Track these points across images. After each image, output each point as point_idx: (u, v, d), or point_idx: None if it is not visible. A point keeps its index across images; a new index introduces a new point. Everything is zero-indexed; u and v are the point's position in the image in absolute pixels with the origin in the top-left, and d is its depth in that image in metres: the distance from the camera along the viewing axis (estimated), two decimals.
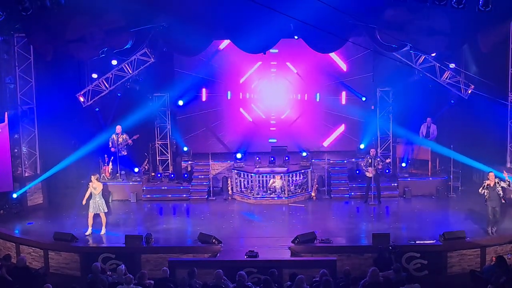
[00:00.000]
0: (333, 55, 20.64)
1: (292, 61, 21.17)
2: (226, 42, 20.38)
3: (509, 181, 15.30)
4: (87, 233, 15.97)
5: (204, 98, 21.44)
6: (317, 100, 21.36)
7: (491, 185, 15.17)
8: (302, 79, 21.34)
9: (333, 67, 21.07)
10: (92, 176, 16.29)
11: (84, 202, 16.28)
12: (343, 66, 21.01)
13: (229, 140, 21.73)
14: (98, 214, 16.17)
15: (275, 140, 21.59)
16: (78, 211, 17.87)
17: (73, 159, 18.86)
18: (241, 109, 21.67)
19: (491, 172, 15.45)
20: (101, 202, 16.11)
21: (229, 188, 19.59)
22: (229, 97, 21.50)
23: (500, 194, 15.18)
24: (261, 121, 21.74)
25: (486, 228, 15.34)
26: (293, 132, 21.48)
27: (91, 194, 16.12)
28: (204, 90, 21.37)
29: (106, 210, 16.25)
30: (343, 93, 21.28)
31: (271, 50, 19.87)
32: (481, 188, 15.34)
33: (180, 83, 21.03)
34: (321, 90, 21.37)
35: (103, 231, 16.09)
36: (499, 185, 15.17)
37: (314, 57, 20.08)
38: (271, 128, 21.77)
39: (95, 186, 16.07)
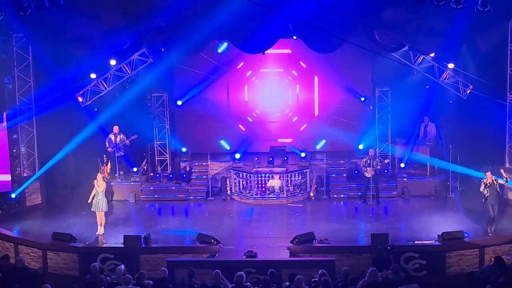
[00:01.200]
0: None
1: (289, 60, 21.17)
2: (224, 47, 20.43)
3: (506, 178, 15.40)
4: (98, 233, 15.95)
5: (202, 98, 21.35)
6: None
7: (489, 184, 15.23)
8: (300, 76, 21.39)
9: None
10: (98, 174, 16.39)
11: (89, 200, 16.27)
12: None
13: (229, 140, 21.65)
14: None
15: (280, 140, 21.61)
16: (76, 211, 17.96)
17: (69, 149, 18.82)
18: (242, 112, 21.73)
19: (488, 171, 15.54)
20: (102, 201, 16.08)
21: (228, 188, 19.58)
22: (228, 99, 21.49)
23: (498, 192, 15.31)
24: (262, 120, 21.69)
25: (487, 228, 15.37)
26: (295, 129, 21.54)
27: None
28: (201, 89, 21.28)
29: (106, 210, 16.21)
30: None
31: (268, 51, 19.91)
32: (482, 187, 15.38)
33: (178, 83, 21.03)
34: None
35: (100, 231, 16.05)
36: (497, 182, 15.27)
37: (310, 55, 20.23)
38: (272, 123, 21.75)
39: (99, 184, 16.11)
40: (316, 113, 21.66)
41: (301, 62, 21.24)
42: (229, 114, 21.64)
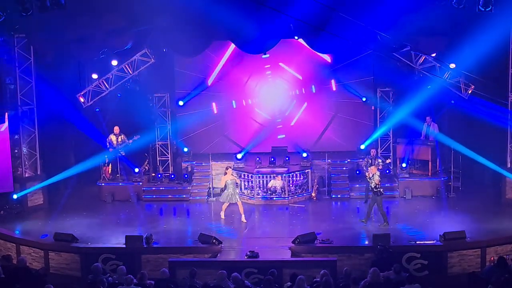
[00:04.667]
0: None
1: (284, 61, 21.08)
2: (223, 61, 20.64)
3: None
4: (243, 220, 17.01)
5: (204, 98, 21.31)
6: (313, 91, 21.28)
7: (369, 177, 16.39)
8: (298, 76, 21.27)
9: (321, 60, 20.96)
10: (229, 169, 17.51)
11: (221, 184, 17.55)
12: (327, 57, 20.82)
13: (234, 140, 21.57)
14: None
15: (283, 136, 21.57)
16: (78, 212, 17.98)
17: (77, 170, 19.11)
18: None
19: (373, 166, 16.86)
20: (234, 193, 17.12)
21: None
22: (234, 106, 21.48)
23: (371, 185, 16.25)
24: (266, 121, 21.63)
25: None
26: (298, 129, 21.48)
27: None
28: (203, 89, 21.25)
29: (236, 201, 17.19)
30: (332, 81, 21.15)
31: (262, 56, 20.17)
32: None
33: (180, 83, 21.02)
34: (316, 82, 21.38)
35: (243, 218, 17.02)
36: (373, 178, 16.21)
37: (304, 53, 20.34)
38: (278, 126, 21.63)
39: (232, 178, 17.17)
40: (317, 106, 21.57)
41: (293, 61, 21.12)
42: (232, 114, 21.55)
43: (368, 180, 16.65)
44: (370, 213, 16.55)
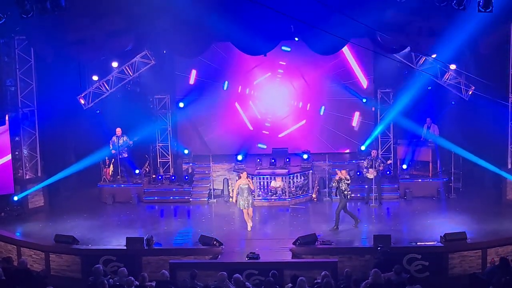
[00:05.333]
0: (356, 70, 20.47)
1: (302, 65, 20.82)
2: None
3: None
4: (249, 229, 16.39)
5: (204, 100, 21.22)
6: (321, 113, 21.04)
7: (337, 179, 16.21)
8: (309, 87, 21.05)
9: (352, 81, 20.77)
10: (244, 173, 16.76)
11: (234, 199, 16.66)
12: (364, 81, 20.64)
13: (232, 141, 21.49)
14: None
15: (265, 146, 21.36)
16: (79, 213, 17.95)
17: (78, 167, 19.04)
18: (236, 104, 21.55)
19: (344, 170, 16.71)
20: (250, 198, 16.37)
21: (230, 190, 19.56)
22: (225, 88, 21.13)
23: (341, 189, 16.10)
24: (256, 122, 21.49)
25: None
26: (285, 140, 21.22)
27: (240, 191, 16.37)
28: (203, 91, 21.16)
29: (253, 204, 16.73)
30: (356, 114, 20.93)
31: (282, 48, 19.88)
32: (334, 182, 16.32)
33: (180, 84, 21.00)
34: (327, 103, 21.12)
35: (249, 226, 16.43)
36: (345, 181, 16.04)
37: (326, 65, 20.21)
38: (264, 132, 21.46)
39: (246, 183, 16.40)
40: (317, 128, 21.43)
41: (311, 69, 20.92)
42: (232, 116, 21.52)
43: (334, 183, 16.54)
44: (354, 216, 16.43)
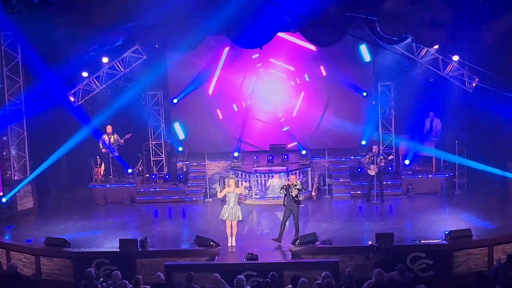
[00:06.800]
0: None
1: (273, 56, 20.77)
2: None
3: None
4: (229, 245, 14.77)
5: (198, 96, 21.00)
6: (307, 79, 21.00)
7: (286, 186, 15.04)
8: (290, 68, 21.02)
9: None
10: (232, 180, 15.40)
11: (220, 195, 15.49)
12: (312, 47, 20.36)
13: (226, 138, 21.19)
14: None
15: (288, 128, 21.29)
16: (70, 215, 17.70)
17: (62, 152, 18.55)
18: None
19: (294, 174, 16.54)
20: (236, 209, 14.82)
21: (218, 189, 19.09)
22: (235, 109, 21.23)
23: (292, 196, 14.85)
24: (269, 117, 21.40)
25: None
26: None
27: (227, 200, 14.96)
28: (197, 86, 20.92)
29: (241, 218, 14.95)
30: (321, 67, 20.90)
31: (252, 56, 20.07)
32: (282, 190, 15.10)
33: (173, 80, 20.71)
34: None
35: (232, 242, 14.80)
36: (295, 187, 14.88)
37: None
38: (281, 120, 21.34)
39: (236, 191, 14.98)
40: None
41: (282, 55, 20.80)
42: (226, 112, 21.26)
43: (281, 191, 15.23)
44: (282, 232, 15.03)
